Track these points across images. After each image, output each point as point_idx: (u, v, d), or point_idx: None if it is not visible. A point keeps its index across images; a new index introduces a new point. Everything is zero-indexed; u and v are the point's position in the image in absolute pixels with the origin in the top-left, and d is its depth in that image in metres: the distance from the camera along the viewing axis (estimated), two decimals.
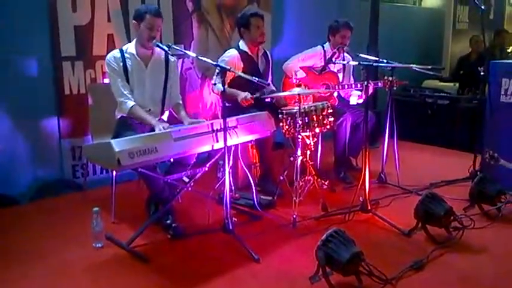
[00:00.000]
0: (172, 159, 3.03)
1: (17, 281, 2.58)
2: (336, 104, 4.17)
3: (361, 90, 4.04)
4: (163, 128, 2.97)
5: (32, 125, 3.79)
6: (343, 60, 4.06)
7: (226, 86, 3.62)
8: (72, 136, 3.94)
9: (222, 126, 2.78)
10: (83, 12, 3.85)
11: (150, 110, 3.26)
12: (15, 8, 3.55)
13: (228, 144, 2.82)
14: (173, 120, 3.44)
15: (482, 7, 3.86)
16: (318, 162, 4.26)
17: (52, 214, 3.51)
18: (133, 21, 3.17)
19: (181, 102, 3.49)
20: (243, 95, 3.60)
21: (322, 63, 4.14)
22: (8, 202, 3.65)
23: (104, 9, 3.97)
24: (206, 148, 2.87)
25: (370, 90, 4.12)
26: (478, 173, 3.94)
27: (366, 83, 3.25)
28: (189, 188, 3.10)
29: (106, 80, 3.34)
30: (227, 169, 2.80)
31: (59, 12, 3.73)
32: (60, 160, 3.95)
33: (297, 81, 3.49)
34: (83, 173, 3.94)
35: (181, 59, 4.53)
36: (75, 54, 3.86)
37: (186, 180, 3.26)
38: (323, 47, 4.24)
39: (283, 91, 4.09)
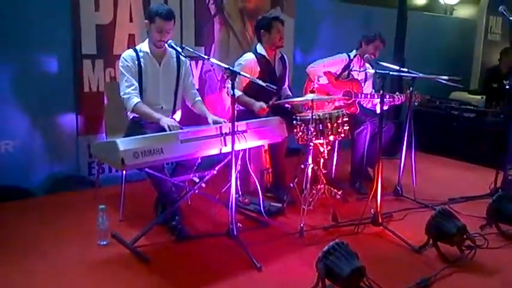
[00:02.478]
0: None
1: (18, 276, 2.60)
2: (357, 112, 4.09)
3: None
4: (170, 123, 2.94)
5: (50, 121, 3.87)
6: (363, 68, 3.99)
7: (242, 93, 3.65)
8: (90, 133, 3.99)
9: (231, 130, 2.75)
10: (105, 12, 3.91)
11: (162, 107, 3.26)
12: (38, 6, 3.63)
13: (236, 148, 2.79)
14: (187, 121, 3.44)
15: (511, 18, 3.70)
16: (334, 170, 4.19)
17: (63, 209, 3.56)
18: (146, 20, 3.19)
19: (199, 99, 3.46)
20: (258, 105, 3.58)
21: (346, 71, 4.09)
22: (23, 195, 3.73)
23: (126, 9, 4.02)
24: (214, 151, 2.84)
25: (397, 102, 4.07)
26: (500, 190, 3.79)
27: (381, 92, 3.16)
28: (196, 191, 3.08)
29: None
30: (233, 174, 2.77)
31: (81, 11, 3.79)
32: (77, 156, 4.01)
33: (312, 87, 3.43)
34: (98, 170, 3.98)
35: (201, 61, 4.55)
36: (96, 53, 3.92)
37: (197, 180, 3.25)
38: (348, 56, 4.18)
39: (305, 95, 4.04)
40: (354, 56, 4.12)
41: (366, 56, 3.89)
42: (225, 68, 2.77)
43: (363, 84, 4.20)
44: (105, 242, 2.95)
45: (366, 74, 4.26)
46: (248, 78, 3.03)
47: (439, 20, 6.93)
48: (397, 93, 4.11)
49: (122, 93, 3.15)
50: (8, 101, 3.64)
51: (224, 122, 3.09)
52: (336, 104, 3.98)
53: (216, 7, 4.57)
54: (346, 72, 4.10)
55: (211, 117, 3.22)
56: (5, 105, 3.64)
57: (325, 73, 4.04)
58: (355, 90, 4.06)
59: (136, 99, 3.12)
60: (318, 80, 3.98)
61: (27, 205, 3.62)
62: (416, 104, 3.98)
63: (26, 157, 3.78)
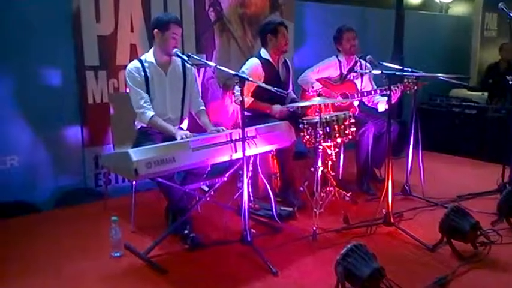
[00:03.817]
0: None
1: None
2: (356, 113, 4.10)
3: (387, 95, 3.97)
4: (184, 135, 2.95)
5: (55, 134, 3.85)
6: (361, 68, 3.98)
7: (253, 99, 3.66)
8: (95, 145, 3.98)
9: (241, 136, 2.75)
10: (106, 23, 3.91)
11: (169, 117, 3.26)
12: (39, 19, 3.63)
13: (247, 154, 2.79)
14: (194, 129, 3.43)
15: (511, 14, 3.72)
16: (341, 173, 4.18)
17: (72, 222, 3.54)
18: (156, 29, 3.17)
19: (204, 108, 3.48)
20: (277, 108, 3.60)
21: (338, 73, 4.09)
22: (30, 209, 3.71)
23: (127, 20, 4.02)
24: (225, 158, 2.84)
25: (393, 100, 4.05)
26: (507, 185, 3.80)
27: (388, 92, 3.17)
28: (208, 198, 3.08)
29: (128, 90, 3.37)
30: (245, 180, 2.76)
31: (82, 23, 3.79)
32: (83, 168, 3.99)
33: (314, 93, 3.44)
34: (105, 182, 3.97)
35: (203, 69, 4.55)
36: (99, 64, 3.91)
37: (206, 189, 3.24)
38: (337, 58, 4.19)
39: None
40: (354, 63, 4.08)
41: (368, 57, 3.90)
42: (233, 74, 2.77)
43: (358, 82, 4.20)
44: (118, 254, 2.93)
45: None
46: (257, 83, 3.02)
47: (435, 18, 6.97)
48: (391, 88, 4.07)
49: (135, 107, 3.16)
50: (12, 115, 3.63)
51: (222, 129, 3.11)
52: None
53: (215, 14, 4.57)
54: (339, 75, 4.10)
55: (210, 128, 3.23)
56: (9, 120, 3.62)
57: (317, 80, 4.03)
58: (351, 91, 4.07)
59: (151, 113, 3.13)
60: (312, 87, 3.96)
61: (34, 220, 3.60)
62: (418, 88, 3.89)
63: (31, 171, 3.76)
